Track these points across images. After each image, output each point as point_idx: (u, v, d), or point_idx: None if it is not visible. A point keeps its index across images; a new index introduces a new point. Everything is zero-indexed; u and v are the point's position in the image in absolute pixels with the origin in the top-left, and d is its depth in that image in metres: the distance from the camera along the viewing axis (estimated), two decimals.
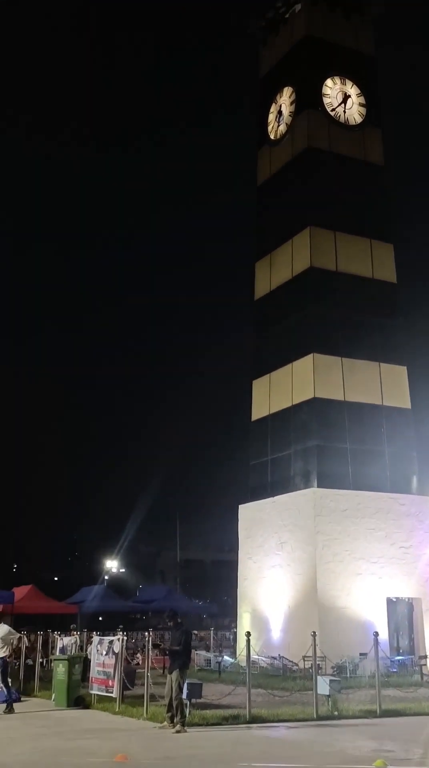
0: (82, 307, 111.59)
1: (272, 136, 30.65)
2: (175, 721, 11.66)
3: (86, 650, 18.82)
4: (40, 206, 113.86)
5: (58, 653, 18.02)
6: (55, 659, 17.13)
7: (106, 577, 49.98)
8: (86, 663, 16.66)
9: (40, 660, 21.80)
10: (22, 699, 16.78)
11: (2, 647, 15.05)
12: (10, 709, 14.56)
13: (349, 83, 29.53)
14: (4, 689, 14.99)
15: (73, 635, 19.65)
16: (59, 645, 18.77)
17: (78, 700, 15.48)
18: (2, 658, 14.92)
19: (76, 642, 18.85)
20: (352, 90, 29.54)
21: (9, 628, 15.61)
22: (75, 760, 9.43)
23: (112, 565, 57.72)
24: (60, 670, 15.82)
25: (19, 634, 16.08)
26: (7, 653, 15.21)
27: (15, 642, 16.62)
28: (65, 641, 18.63)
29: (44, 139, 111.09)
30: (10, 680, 16.86)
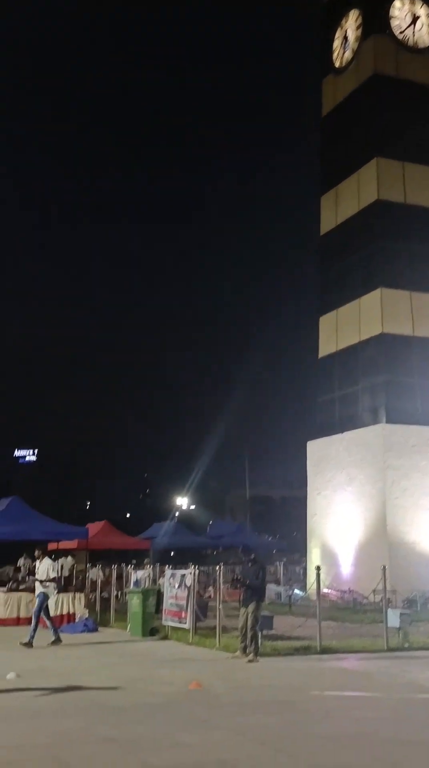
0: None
1: (337, 64, 29.48)
2: (247, 651, 11.91)
3: (159, 584, 19.30)
4: None
5: (132, 586, 18.54)
6: (129, 592, 17.65)
7: (177, 514, 51.03)
8: (159, 596, 17.10)
9: (115, 593, 22.48)
10: (98, 629, 17.41)
11: (43, 582, 14.88)
12: (55, 640, 14.56)
13: (418, 3, 28.03)
14: (48, 623, 14.89)
15: (146, 569, 20.17)
16: (133, 578, 19.28)
17: (152, 630, 15.97)
18: (42, 592, 14.78)
19: (149, 575, 19.36)
20: (422, 10, 28.08)
21: (51, 563, 15.56)
22: (151, 687, 9.73)
23: (182, 502, 58.82)
24: (135, 603, 16.30)
25: (55, 575, 15.63)
26: (47, 589, 14.92)
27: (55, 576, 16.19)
28: (139, 575, 19.13)
29: None
30: (81, 614, 17.54)
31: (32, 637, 14.15)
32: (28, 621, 18.77)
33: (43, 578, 14.80)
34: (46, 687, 9.61)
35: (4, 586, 20.59)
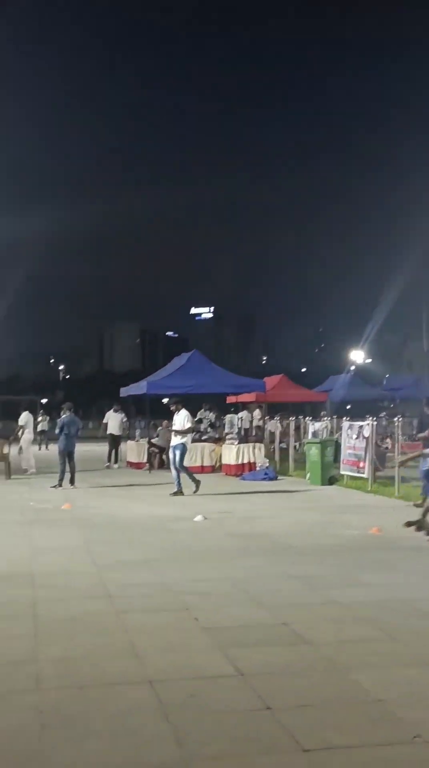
0: None
1: None
2: None
3: (336, 436, 19.54)
4: None
5: (310, 437, 18.92)
6: (307, 442, 18.03)
7: (353, 368, 50.75)
8: (337, 446, 17.33)
9: (293, 444, 23.10)
10: (278, 478, 18.06)
11: (181, 433, 14.74)
12: (177, 492, 14.30)
13: None
14: (185, 474, 14.67)
15: (324, 421, 20.42)
16: (311, 430, 19.64)
17: (331, 479, 16.34)
18: (181, 443, 14.64)
19: (326, 427, 19.61)
20: None
21: (187, 414, 15.14)
22: (331, 531, 10.03)
23: (358, 356, 58.16)
24: (313, 452, 16.66)
25: (190, 425, 15.22)
26: (185, 440, 14.80)
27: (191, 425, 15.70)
28: (316, 426, 19.44)
29: None
30: (261, 463, 18.16)
31: (179, 485, 14.30)
32: (211, 469, 19.90)
33: (180, 429, 14.77)
34: (232, 529, 10.19)
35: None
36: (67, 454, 15.99)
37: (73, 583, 6.94)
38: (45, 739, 3.66)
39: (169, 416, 15.88)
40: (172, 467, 14.74)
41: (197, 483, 14.47)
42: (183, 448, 14.65)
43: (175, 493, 14.18)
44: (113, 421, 22.45)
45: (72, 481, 15.95)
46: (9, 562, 7.97)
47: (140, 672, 4.58)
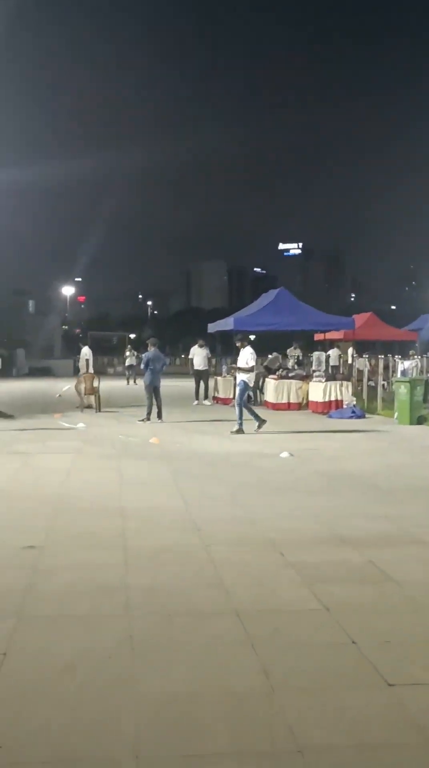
0: None
1: None
2: None
3: (426, 375, 19.09)
4: None
5: (399, 376, 18.56)
6: (396, 381, 17.71)
7: None
8: (427, 386, 16.95)
9: (382, 383, 22.74)
10: (365, 416, 17.87)
11: (243, 370, 14.46)
12: (238, 430, 14.00)
13: None
14: (249, 412, 14.44)
15: (413, 360, 19.98)
16: (400, 368, 19.27)
17: (419, 419, 16.04)
18: (243, 380, 14.42)
19: (416, 366, 19.20)
20: None
21: (251, 351, 14.63)
22: (418, 471, 9.90)
23: None
24: (402, 392, 16.36)
25: (253, 364, 14.68)
26: (247, 378, 14.50)
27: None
28: (406, 365, 19.07)
29: None
30: (348, 401, 17.97)
31: (241, 423, 14.07)
32: (297, 406, 19.86)
33: (243, 366, 14.46)
34: (318, 467, 10.18)
35: (275, 374, 21.67)
36: (153, 389, 16.26)
37: (161, 516, 7.11)
38: (135, 664, 3.80)
39: (235, 352, 15.63)
40: (235, 405, 14.62)
41: (261, 421, 14.26)
42: (244, 386, 14.47)
43: (236, 431, 13.98)
44: (199, 357, 22.39)
45: (159, 416, 16.23)
46: (99, 494, 8.22)
47: (226, 603, 4.67)
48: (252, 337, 23.46)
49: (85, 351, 21.16)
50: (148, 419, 16.09)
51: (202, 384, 22.05)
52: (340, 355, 27.56)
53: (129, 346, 43.51)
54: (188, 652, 3.93)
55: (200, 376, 22.10)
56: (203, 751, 3.02)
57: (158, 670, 3.72)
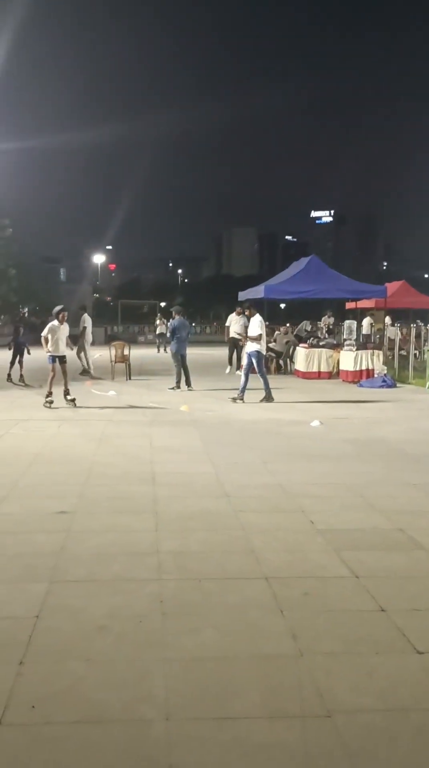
0: None
1: None
2: None
3: None
4: None
5: None
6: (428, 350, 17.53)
7: None
8: None
9: (414, 351, 22.49)
10: (396, 385, 17.73)
11: (255, 339, 14.17)
12: (267, 397, 14.01)
13: None
14: (261, 380, 14.17)
15: None
16: None
17: None
18: (256, 350, 14.15)
19: None
20: None
21: (260, 319, 14.43)
22: None
23: None
24: None
25: (261, 332, 14.21)
26: (260, 346, 14.25)
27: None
28: None
29: None
30: (379, 370, 17.84)
31: (268, 390, 13.99)
32: (328, 375, 19.77)
33: (254, 335, 14.24)
34: (348, 435, 10.14)
35: (306, 342, 21.55)
36: (180, 357, 16.28)
37: (191, 482, 7.15)
38: (165, 626, 3.85)
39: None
40: (242, 374, 14.39)
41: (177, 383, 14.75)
42: (258, 356, 14.21)
43: (264, 399, 13.87)
44: (236, 324, 21.83)
45: (188, 384, 16.24)
46: (131, 460, 8.28)
47: (256, 568, 4.70)
48: (282, 305, 23.29)
49: (84, 318, 20.88)
50: (178, 387, 16.13)
51: (235, 352, 21.69)
52: (372, 324, 27.29)
53: (159, 314, 43.56)
54: (218, 616, 3.97)
55: (236, 344, 21.61)
56: (233, 713, 3.06)
57: (188, 633, 3.76)
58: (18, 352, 18.11)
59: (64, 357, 13.30)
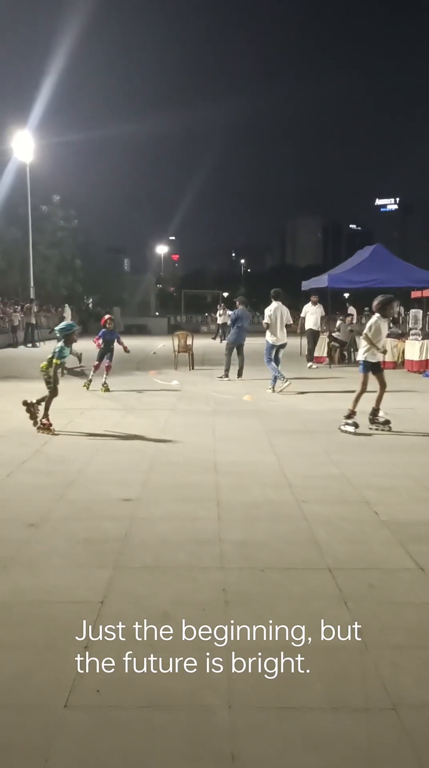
0: None
1: None
2: None
3: None
4: None
5: None
6: None
7: None
8: None
9: None
10: None
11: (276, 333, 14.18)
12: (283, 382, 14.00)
13: None
14: (272, 370, 14.24)
15: None
16: None
17: None
18: (267, 341, 14.25)
19: None
20: None
21: (275, 305, 14.34)
22: None
23: None
24: None
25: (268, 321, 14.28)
26: (277, 339, 14.19)
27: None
28: None
29: None
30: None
31: (275, 381, 14.12)
32: (393, 365, 19.45)
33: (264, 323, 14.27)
34: (414, 426, 9.96)
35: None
36: (237, 347, 16.22)
37: (254, 472, 7.13)
38: (228, 616, 3.85)
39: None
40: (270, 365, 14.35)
41: (275, 383, 14.10)
42: (269, 346, 14.23)
43: (283, 387, 13.90)
44: (313, 315, 20.73)
45: (240, 374, 16.17)
46: (193, 449, 8.31)
47: (320, 559, 4.66)
48: (346, 294, 23.00)
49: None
50: (227, 377, 16.08)
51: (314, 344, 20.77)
52: None
53: (222, 303, 43.60)
54: (281, 606, 3.95)
55: (315, 336, 20.86)
56: (297, 703, 3.04)
57: (251, 622, 3.75)
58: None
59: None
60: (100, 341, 14.35)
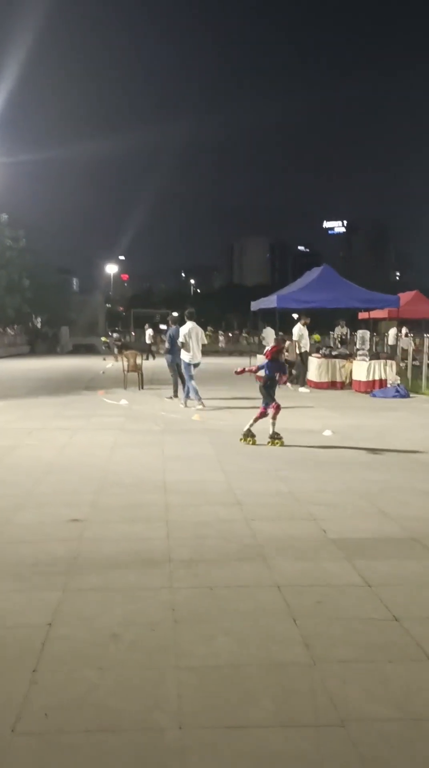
0: None
1: None
2: None
3: None
4: None
5: None
6: None
7: None
8: None
9: (427, 362, 22.41)
10: (410, 395, 17.67)
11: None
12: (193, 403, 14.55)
13: None
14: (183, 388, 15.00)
15: None
16: None
17: None
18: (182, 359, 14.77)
19: None
20: None
21: (184, 330, 14.65)
22: None
23: None
24: None
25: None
26: (193, 357, 14.57)
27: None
28: None
29: None
30: (392, 380, 17.80)
31: (187, 395, 14.81)
32: (341, 385, 19.72)
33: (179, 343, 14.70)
34: (361, 444, 10.11)
35: (318, 352, 21.52)
36: (176, 366, 16.16)
37: (203, 490, 7.14)
38: (178, 633, 3.84)
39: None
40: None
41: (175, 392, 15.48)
42: (183, 363, 14.80)
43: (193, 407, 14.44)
44: (305, 338, 19.99)
45: (175, 393, 16.13)
46: (143, 469, 8.29)
47: (268, 576, 4.69)
48: (295, 315, 23.24)
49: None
50: (176, 396, 16.10)
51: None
52: (397, 335, 27.15)
53: (147, 324, 44.20)
54: (231, 624, 3.96)
55: (305, 359, 20.34)
56: (246, 722, 3.04)
57: (201, 641, 3.76)
58: None
59: None
60: None
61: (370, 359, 19.12)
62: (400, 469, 8.30)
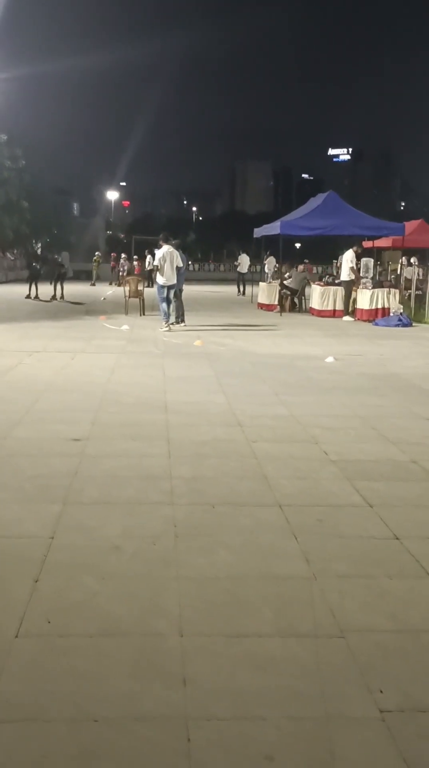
0: None
1: None
2: None
3: None
4: None
5: None
6: None
7: None
8: None
9: None
10: (412, 324, 17.56)
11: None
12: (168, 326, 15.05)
13: None
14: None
15: None
16: None
17: None
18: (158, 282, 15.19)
19: None
20: None
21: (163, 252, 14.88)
22: None
23: None
24: None
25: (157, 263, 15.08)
26: (166, 281, 14.88)
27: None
28: None
29: None
30: (395, 309, 17.66)
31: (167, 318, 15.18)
32: (343, 313, 19.59)
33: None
34: (363, 370, 10.08)
35: (321, 280, 21.30)
36: (171, 290, 15.86)
37: (204, 412, 7.14)
38: (179, 547, 3.86)
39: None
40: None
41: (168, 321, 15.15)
42: (157, 286, 15.22)
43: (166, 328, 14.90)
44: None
45: (179, 320, 15.84)
46: (143, 389, 8.27)
47: (269, 495, 4.71)
48: (297, 245, 22.90)
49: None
50: (166, 325, 15.86)
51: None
52: (387, 263, 26.82)
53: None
54: (231, 539, 3.98)
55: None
56: (246, 630, 3.07)
57: (202, 554, 3.78)
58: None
59: None
60: None
61: (374, 287, 18.93)
62: (401, 394, 8.29)
